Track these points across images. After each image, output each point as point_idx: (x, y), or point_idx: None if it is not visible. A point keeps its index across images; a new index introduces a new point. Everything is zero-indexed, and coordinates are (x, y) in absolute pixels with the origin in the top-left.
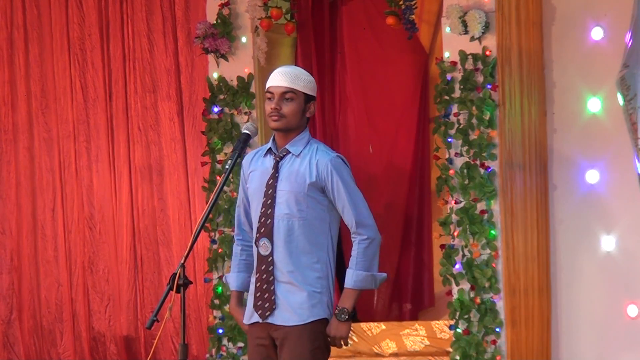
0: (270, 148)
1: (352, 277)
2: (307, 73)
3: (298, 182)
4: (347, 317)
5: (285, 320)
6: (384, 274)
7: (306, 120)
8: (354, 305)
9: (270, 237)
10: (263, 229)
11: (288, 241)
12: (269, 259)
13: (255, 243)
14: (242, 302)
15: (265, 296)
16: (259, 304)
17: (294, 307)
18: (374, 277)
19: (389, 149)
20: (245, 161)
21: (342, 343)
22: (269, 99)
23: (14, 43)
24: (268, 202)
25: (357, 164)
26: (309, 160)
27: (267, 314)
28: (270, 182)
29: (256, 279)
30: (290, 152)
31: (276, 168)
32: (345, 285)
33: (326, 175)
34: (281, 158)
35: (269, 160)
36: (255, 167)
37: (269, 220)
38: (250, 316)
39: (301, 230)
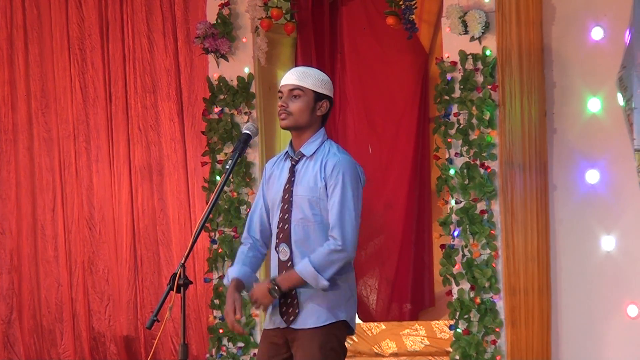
0: (287, 152)
1: (304, 266)
2: (321, 73)
3: (311, 186)
4: (276, 295)
5: (303, 324)
6: (327, 284)
7: (320, 120)
8: (289, 289)
9: (288, 242)
10: (282, 234)
11: (305, 246)
12: (289, 264)
13: (275, 249)
14: (240, 290)
15: (289, 301)
16: (283, 309)
17: (313, 310)
18: (317, 279)
19: (388, 149)
20: (267, 166)
21: (260, 308)
22: (280, 97)
23: (14, 43)
24: (285, 207)
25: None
26: (319, 163)
27: (291, 319)
28: (286, 187)
29: None
30: (304, 155)
31: (292, 172)
32: (294, 268)
33: (330, 174)
34: (297, 162)
35: (287, 165)
36: (275, 172)
37: (287, 225)
38: (273, 321)
39: (317, 235)
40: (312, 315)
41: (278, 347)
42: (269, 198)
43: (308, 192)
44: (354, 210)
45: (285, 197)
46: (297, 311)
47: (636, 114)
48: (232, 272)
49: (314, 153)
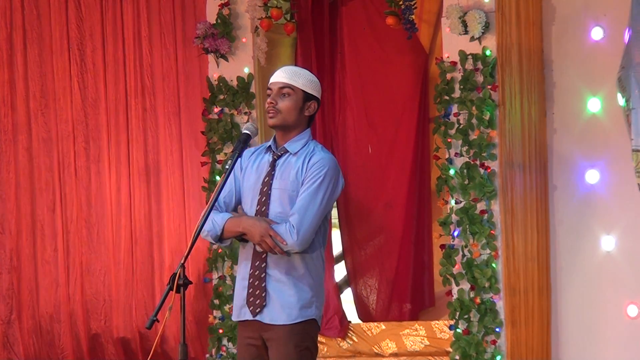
0: (270, 146)
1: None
2: (311, 74)
3: (291, 180)
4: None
5: (273, 319)
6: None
7: (307, 120)
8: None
9: None
10: None
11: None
12: (263, 256)
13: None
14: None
15: (257, 292)
16: (250, 299)
17: (284, 306)
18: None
19: (389, 149)
20: (245, 154)
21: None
22: (269, 95)
23: (13, 43)
24: (263, 200)
25: (357, 164)
26: (303, 159)
27: (257, 310)
28: (266, 180)
29: (249, 274)
30: (288, 151)
31: (273, 166)
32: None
33: (311, 167)
34: (279, 157)
35: (267, 158)
36: (252, 163)
37: (267, 218)
38: (238, 313)
39: None
40: (282, 312)
41: (257, 348)
42: (243, 188)
43: (288, 186)
44: (319, 210)
45: (264, 189)
46: (264, 303)
47: (634, 115)
48: (223, 216)
49: (298, 151)
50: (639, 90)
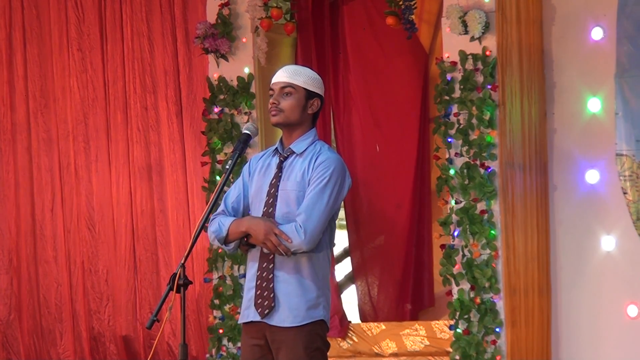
0: (276, 148)
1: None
2: (312, 71)
3: (297, 181)
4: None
5: (280, 321)
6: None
7: (311, 119)
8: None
9: None
10: None
11: None
12: (270, 257)
13: None
14: None
15: (265, 294)
16: (259, 301)
17: (291, 307)
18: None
19: (395, 149)
20: (252, 160)
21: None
22: (271, 95)
23: (13, 43)
24: (270, 201)
25: (365, 164)
26: (309, 160)
27: (266, 312)
28: (273, 182)
29: (257, 276)
30: (294, 152)
31: (280, 167)
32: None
33: (317, 167)
34: (285, 158)
35: (274, 161)
36: (259, 167)
37: (271, 218)
38: (246, 315)
39: None
40: (289, 314)
41: (261, 349)
42: (250, 191)
43: (295, 187)
44: (326, 209)
45: (271, 191)
46: (272, 305)
47: (617, 120)
48: (230, 219)
49: (303, 151)
50: (622, 96)
